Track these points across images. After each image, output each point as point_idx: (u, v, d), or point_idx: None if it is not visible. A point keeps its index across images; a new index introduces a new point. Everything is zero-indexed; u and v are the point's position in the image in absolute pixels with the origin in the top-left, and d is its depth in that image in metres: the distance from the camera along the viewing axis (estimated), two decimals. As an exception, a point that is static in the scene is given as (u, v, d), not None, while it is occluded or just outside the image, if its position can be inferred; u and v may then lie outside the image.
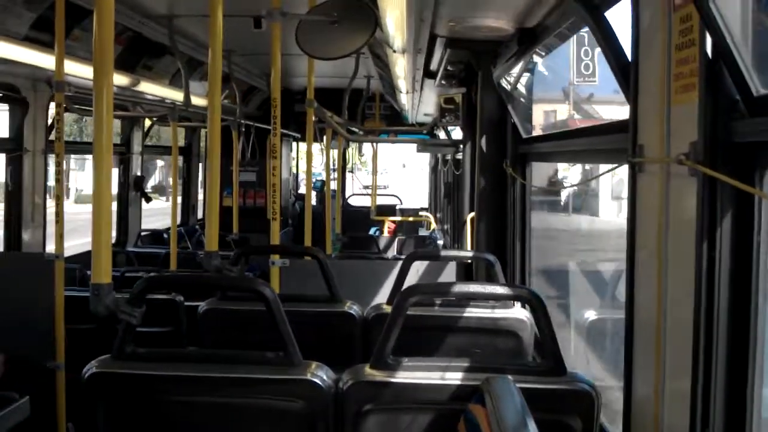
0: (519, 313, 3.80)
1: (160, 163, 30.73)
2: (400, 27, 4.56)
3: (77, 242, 8.35)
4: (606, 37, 2.66)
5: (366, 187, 15.86)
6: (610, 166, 3.01)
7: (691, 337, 2.02)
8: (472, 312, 3.80)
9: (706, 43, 1.96)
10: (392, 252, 9.77)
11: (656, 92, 2.23)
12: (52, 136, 6.11)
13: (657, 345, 2.25)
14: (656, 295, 2.24)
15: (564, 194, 9.26)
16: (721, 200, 1.94)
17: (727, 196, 1.94)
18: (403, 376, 2.66)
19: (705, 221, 1.95)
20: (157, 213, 13.34)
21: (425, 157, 19.67)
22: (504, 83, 4.92)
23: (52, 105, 5.97)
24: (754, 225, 1.92)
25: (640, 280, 2.44)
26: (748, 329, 1.96)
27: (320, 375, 2.66)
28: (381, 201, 13.37)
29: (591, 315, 4.72)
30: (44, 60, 5.13)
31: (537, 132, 5.14)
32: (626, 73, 2.50)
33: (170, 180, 7.79)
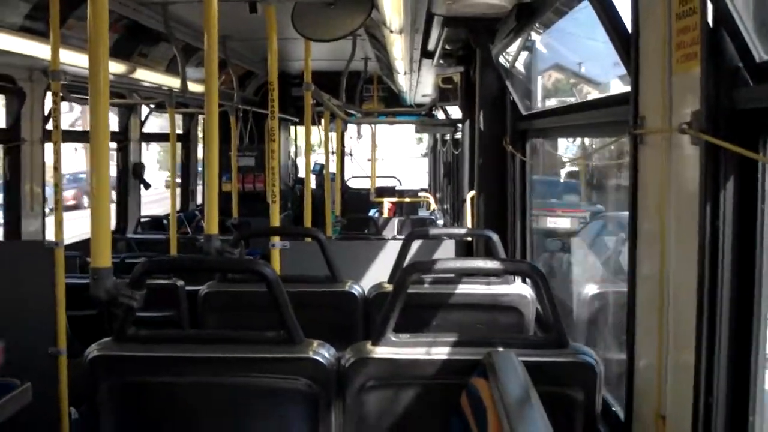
0: (520, 288, 3.81)
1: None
2: (397, 7, 4.53)
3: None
4: (605, 9, 2.64)
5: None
6: (611, 139, 3.00)
7: (695, 307, 2.01)
8: (474, 288, 3.81)
9: (707, 11, 1.93)
10: (392, 233, 9.77)
11: (657, 63, 2.21)
12: (50, 126, 6.09)
13: (660, 316, 2.25)
14: (659, 265, 2.24)
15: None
16: (724, 169, 1.93)
17: (730, 164, 1.92)
18: (405, 353, 2.67)
19: (708, 190, 1.94)
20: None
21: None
22: (502, 60, 4.89)
23: (49, 94, 5.95)
24: (757, 192, 1.91)
25: (642, 251, 2.43)
26: (752, 298, 1.96)
27: (322, 353, 2.67)
28: (380, 183, 13.37)
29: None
30: (40, 50, 5.10)
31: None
32: (626, 44, 2.48)
33: None
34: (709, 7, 1.92)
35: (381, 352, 2.68)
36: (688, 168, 2.05)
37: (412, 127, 8.95)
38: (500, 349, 2.60)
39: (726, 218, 1.95)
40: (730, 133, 1.88)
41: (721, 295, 1.97)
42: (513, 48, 4.68)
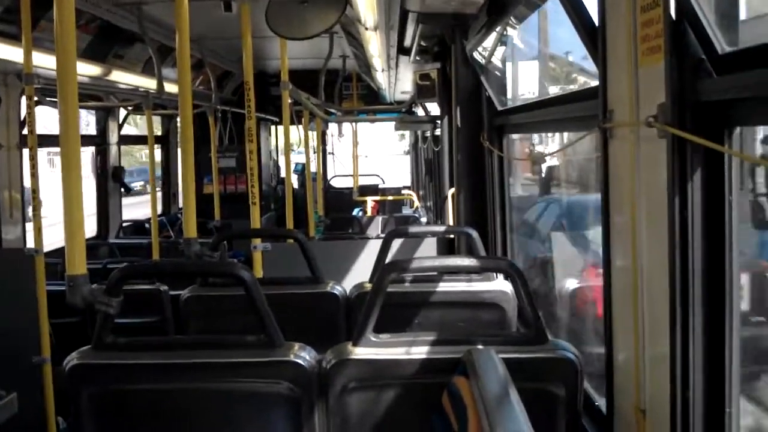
0: (501, 285, 3.81)
1: None
2: (371, 3, 4.53)
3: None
4: (572, 3, 2.65)
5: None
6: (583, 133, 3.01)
7: (668, 299, 2.02)
8: (455, 286, 3.81)
9: (670, 4, 1.94)
10: (375, 232, 9.77)
11: (624, 56, 2.22)
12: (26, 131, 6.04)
13: (635, 309, 2.26)
14: (632, 259, 2.25)
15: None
16: (691, 161, 1.94)
17: (696, 156, 1.93)
18: (385, 353, 2.67)
19: (676, 182, 1.95)
20: None
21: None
22: (477, 56, 4.90)
23: (24, 99, 5.90)
24: (724, 183, 1.92)
25: (615, 245, 2.44)
26: (723, 288, 1.97)
27: (303, 355, 2.66)
28: (363, 181, 13.36)
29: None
30: (12, 53, 5.05)
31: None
32: (594, 38, 2.49)
33: None
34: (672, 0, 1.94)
35: (361, 353, 2.67)
36: (657, 160, 2.05)
37: (391, 124, 8.96)
38: (480, 346, 2.60)
39: (695, 209, 1.96)
40: (695, 126, 1.89)
41: (692, 287, 1.98)
42: (487, 43, 4.69)
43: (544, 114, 3.82)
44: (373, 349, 2.68)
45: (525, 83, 6.41)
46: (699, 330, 1.99)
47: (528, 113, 4.25)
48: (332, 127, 15.09)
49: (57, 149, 2.84)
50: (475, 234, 3.96)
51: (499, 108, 4.84)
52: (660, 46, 1.97)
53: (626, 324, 2.36)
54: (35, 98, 4.75)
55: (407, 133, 19.47)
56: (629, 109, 2.19)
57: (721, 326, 1.99)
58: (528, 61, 6.40)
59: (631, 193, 2.22)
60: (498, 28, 4.27)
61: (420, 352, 2.66)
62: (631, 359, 2.32)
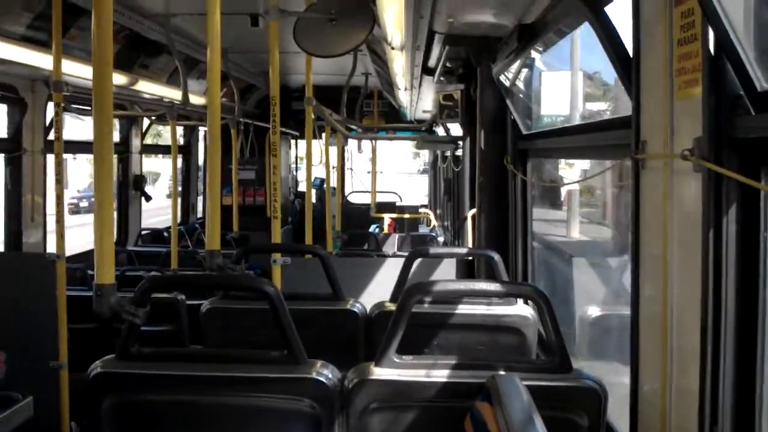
0: (522, 309, 3.79)
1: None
2: (399, 24, 4.54)
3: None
4: (606, 33, 2.65)
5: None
6: (612, 162, 3.01)
7: (699, 333, 2.01)
8: (475, 309, 3.79)
9: (709, 38, 1.94)
10: (392, 249, 9.76)
11: (659, 88, 2.22)
12: (51, 136, 6.11)
13: (663, 341, 2.25)
14: (662, 291, 2.24)
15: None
16: (726, 196, 1.93)
17: (732, 191, 1.93)
18: (408, 374, 2.66)
19: (711, 217, 1.94)
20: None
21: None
22: (503, 79, 4.90)
23: (51, 105, 5.97)
24: (760, 220, 1.91)
25: (645, 276, 2.43)
26: (756, 325, 1.96)
27: (325, 374, 2.65)
28: (380, 198, 13.37)
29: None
30: (42, 60, 5.12)
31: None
32: (628, 68, 2.49)
33: None
34: (711, 34, 1.94)
35: (384, 373, 2.66)
36: (690, 194, 2.05)
37: (409, 142, 8.99)
38: (502, 372, 2.59)
39: (729, 245, 1.95)
40: (731, 161, 1.89)
41: (725, 322, 1.97)
42: (514, 67, 4.70)
43: (570, 141, 3.82)
44: (395, 370, 2.67)
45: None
46: (730, 365, 1.97)
47: (554, 138, 4.25)
48: (351, 143, 15.14)
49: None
50: (497, 257, 3.94)
51: (524, 132, 4.84)
52: (697, 79, 1.97)
53: (654, 355, 2.34)
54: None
55: (422, 152, 19.49)
56: (663, 141, 2.19)
57: (753, 363, 1.97)
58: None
59: (663, 224, 2.21)
60: (526, 53, 4.28)
61: (442, 375, 2.65)
62: (658, 391, 2.30)
